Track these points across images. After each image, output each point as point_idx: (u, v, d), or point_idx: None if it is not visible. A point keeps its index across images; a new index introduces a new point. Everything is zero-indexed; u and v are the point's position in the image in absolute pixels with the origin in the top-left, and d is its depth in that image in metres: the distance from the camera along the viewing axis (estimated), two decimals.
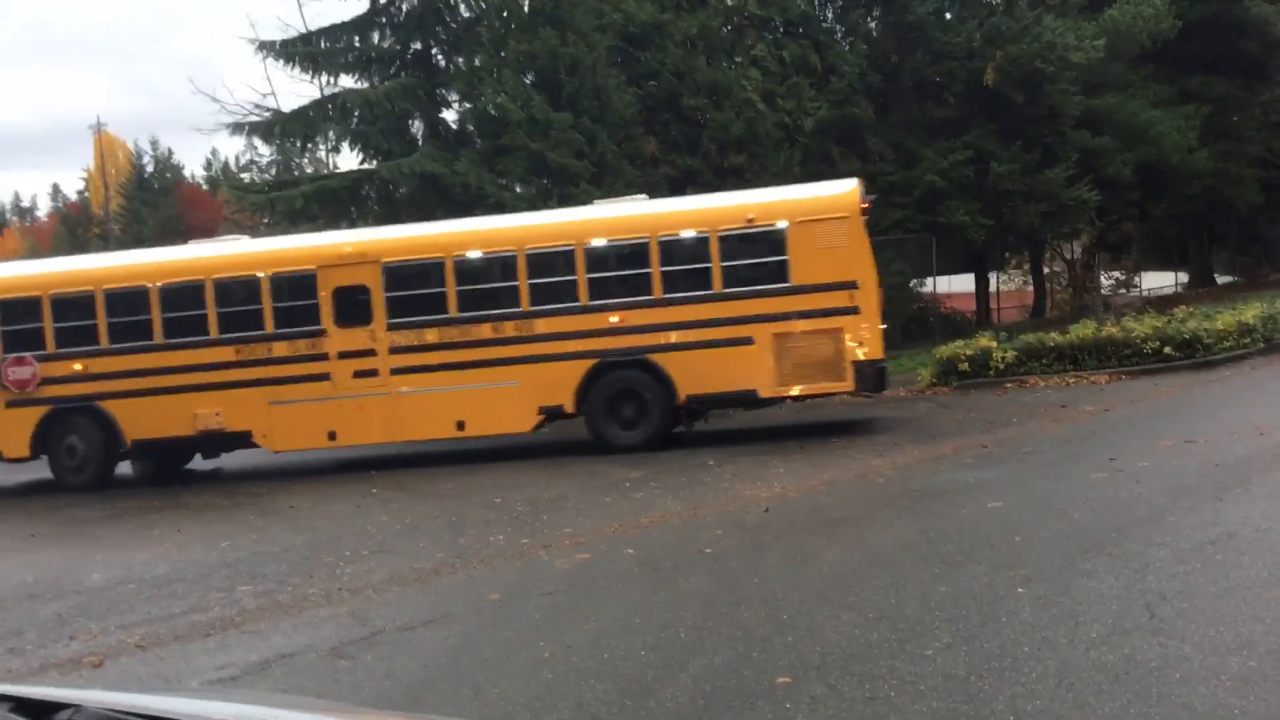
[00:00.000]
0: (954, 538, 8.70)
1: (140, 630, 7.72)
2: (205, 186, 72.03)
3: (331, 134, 25.58)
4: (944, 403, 17.62)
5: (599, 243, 15.25)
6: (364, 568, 9.21)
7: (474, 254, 15.61)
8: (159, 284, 16.05)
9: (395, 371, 15.49)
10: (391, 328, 15.50)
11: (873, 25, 28.90)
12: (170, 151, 73.88)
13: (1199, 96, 32.88)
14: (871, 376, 14.75)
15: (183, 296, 16.02)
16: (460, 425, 15.39)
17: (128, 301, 16.08)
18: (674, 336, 14.97)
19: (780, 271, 14.74)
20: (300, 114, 25.18)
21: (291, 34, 25.06)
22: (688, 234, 15.14)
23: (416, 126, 25.49)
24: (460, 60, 25.16)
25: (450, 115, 26.06)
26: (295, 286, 15.77)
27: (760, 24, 26.52)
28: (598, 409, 15.15)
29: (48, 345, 16.19)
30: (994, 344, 19.64)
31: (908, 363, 22.40)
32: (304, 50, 25.25)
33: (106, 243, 55.19)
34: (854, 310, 14.53)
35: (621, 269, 15.26)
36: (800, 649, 6.19)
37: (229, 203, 35.63)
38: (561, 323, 15.18)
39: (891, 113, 27.48)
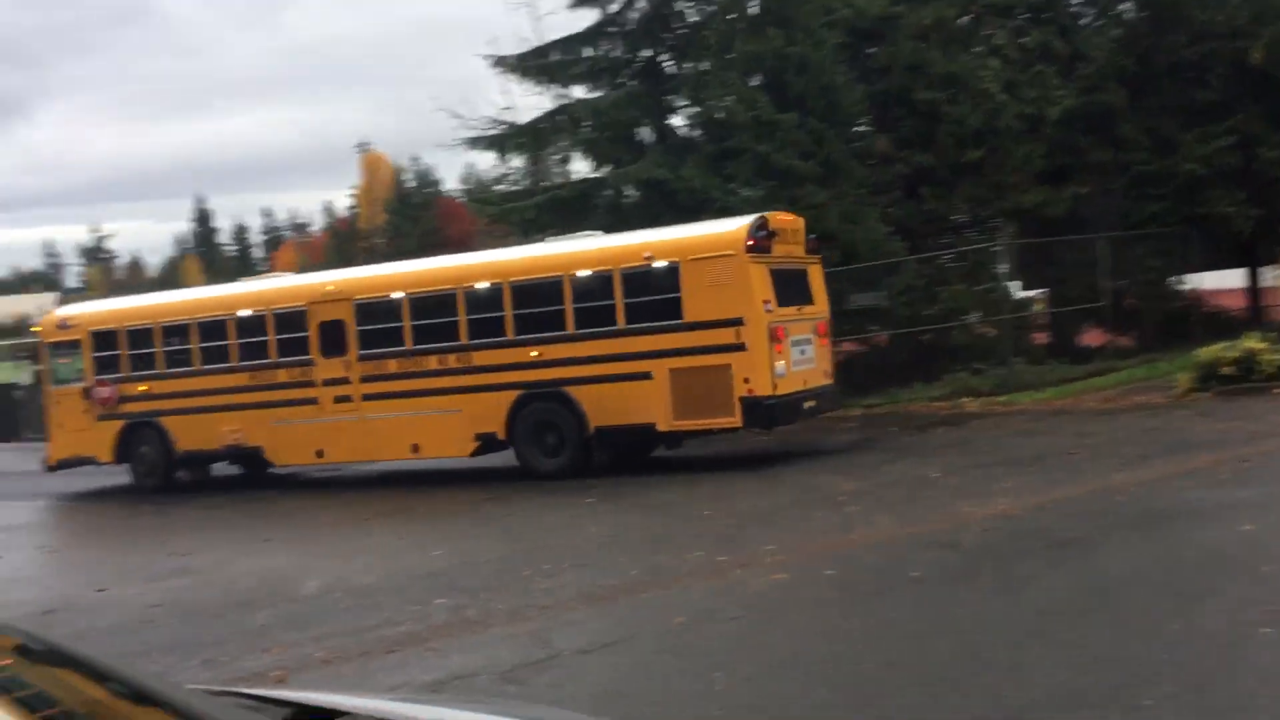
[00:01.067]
0: (1195, 566, 7.84)
1: (332, 643, 7.78)
2: (464, 200, 74.75)
3: (563, 144, 25.87)
4: (1203, 410, 16.17)
5: (523, 280, 16.17)
6: (558, 583, 9.05)
7: (424, 291, 16.88)
8: (197, 319, 18.63)
9: (365, 398, 17.07)
10: (362, 358, 17.09)
11: (1125, 5, 27.02)
12: (432, 167, 76.83)
13: None
14: (760, 413, 14.76)
15: (214, 329, 18.40)
16: (415, 448, 16.85)
17: (177, 333, 18.77)
18: (584, 370, 15.56)
19: (675, 308, 15.08)
20: (532, 126, 25.59)
21: (526, 48, 25.48)
22: (595, 272, 15.65)
23: (644, 133, 25.46)
24: (687, 65, 24.99)
25: (677, 120, 25.92)
26: (292, 321, 17.72)
27: (1000, 11, 25.21)
28: (522, 437, 16.04)
29: (124, 369, 19.02)
30: (1262, 345, 17.88)
31: (1164, 366, 20.76)
32: (538, 63, 25.59)
33: (373, 256, 57.71)
34: (740, 347, 14.65)
35: (541, 305, 15.94)
36: (998, 692, 5.60)
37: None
38: (493, 356, 16.22)
39: (1145, 98, 25.59)
